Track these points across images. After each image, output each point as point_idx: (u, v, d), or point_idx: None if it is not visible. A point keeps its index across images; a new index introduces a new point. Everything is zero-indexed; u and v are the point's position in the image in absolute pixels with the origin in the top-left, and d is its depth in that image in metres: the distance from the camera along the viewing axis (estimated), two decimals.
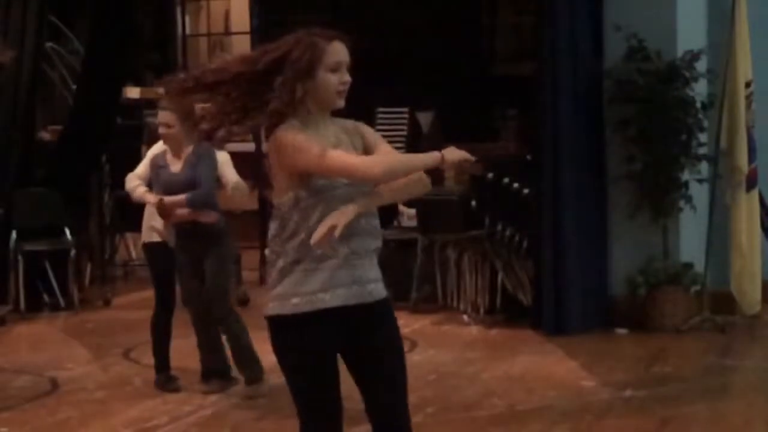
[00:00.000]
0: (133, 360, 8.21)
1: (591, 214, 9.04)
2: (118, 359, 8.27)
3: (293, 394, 3.87)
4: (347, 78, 3.81)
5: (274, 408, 6.73)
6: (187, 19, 13.54)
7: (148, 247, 7.33)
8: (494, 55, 14.34)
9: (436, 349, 8.32)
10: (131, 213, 11.71)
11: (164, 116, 6.85)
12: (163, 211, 6.87)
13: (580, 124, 8.96)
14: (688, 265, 8.91)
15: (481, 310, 9.39)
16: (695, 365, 7.74)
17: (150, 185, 7.11)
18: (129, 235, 12.38)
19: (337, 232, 3.70)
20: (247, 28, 13.03)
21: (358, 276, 3.83)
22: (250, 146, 12.38)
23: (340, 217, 3.72)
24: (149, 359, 7.41)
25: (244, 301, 10.42)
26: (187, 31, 13.34)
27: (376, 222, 3.91)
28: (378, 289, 3.89)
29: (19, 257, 10.03)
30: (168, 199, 6.87)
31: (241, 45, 13.60)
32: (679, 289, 8.83)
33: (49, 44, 11.41)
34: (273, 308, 3.84)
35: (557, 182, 8.87)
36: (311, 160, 3.71)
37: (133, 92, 13.06)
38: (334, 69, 3.78)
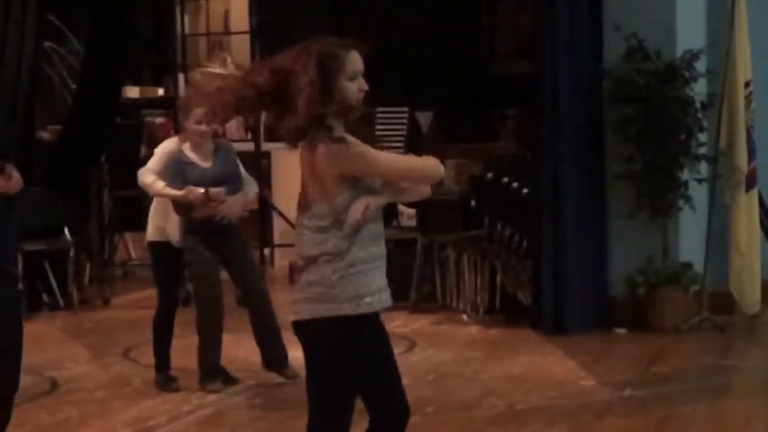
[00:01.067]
0: (133, 359, 8.21)
1: (590, 214, 9.04)
2: (118, 359, 8.27)
3: (331, 394, 3.95)
4: (365, 86, 3.95)
5: (274, 407, 6.74)
6: (187, 18, 13.50)
7: (154, 246, 7.31)
8: (494, 55, 14.35)
9: (436, 348, 8.31)
10: (130, 213, 11.77)
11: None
12: (203, 203, 6.94)
13: (580, 123, 8.96)
14: (688, 265, 8.91)
15: (481, 310, 9.39)
16: (695, 365, 7.74)
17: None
18: (128, 235, 12.38)
19: (369, 210, 3.85)
20: (247, 28, 13.01)
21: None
22: (249, 145, 12.41)
23: (371, 199, 3.88)
24: (148, 359, 7.40)
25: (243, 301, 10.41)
26: (187, 30, 13.30)
27: None
28: None
29: (19, 257, 10.01)
30: (214, 190, 6.95)
31: (241, 45, 13.58)
32: (678, 289, 8.83)
33: (48, 44, 11.41)
34: (347, 308, 3.88)
35: (556, 182, 8.87)
36: (394, 166, 3.94)
37: (132, 92, 13.07)
38: (353, 77, 3.92)
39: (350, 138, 3.89)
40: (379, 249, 3.97)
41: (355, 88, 3.92)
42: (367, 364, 3.96)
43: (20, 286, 4.92)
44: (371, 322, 3.94)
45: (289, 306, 4.01)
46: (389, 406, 4.06)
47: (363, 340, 3.92)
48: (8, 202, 4.90)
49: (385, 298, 3.97)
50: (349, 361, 3.92)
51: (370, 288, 3.91)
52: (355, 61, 3.93)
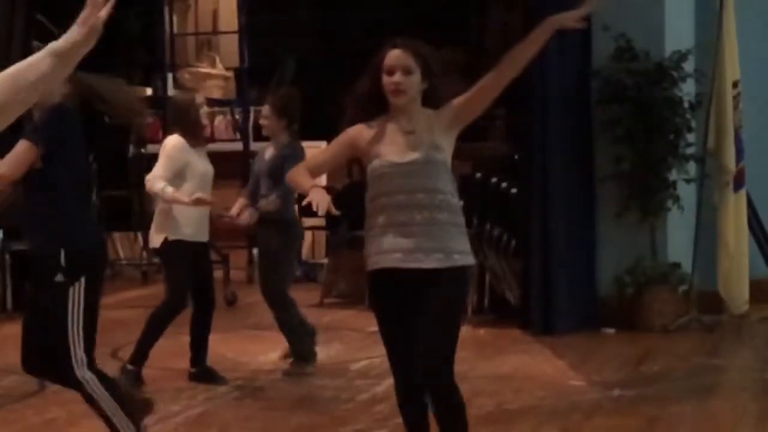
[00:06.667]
0: (121, 360, 8.15)
1: (579, 214, 9.05)
2: (106, 359, 8.19)
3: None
4: (395, 79, 4.46)
5: (262, 407, 6.72)
6: (175, 18, 13.48)
7: (188, 245, 7.16)
8: (483, 55, 14.35)
9: None
10: (119, 212, 11.75)
11: (264, 110, 7.64)
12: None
13: (569, 124, 8.97)
14: (676, 265, 8.93)
15: (470, 310, 9.39)
16: (683, 365, 7.74)
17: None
18: (116, 235, 12.35)
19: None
20: (236, 28, 13.00)
21: None
22: (237, 145, 12.39)
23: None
24: None
25: (232, 301, 10.41)
26: (175, 30, 13.28)
27: None
28: None
29: (7, 256, 9.99)
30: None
31: (230, 44, 13.57)
32: (666, 288, 8.85)
33: (36, 43, 11.38)
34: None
35: (545, 182, 8.87)
36: None
37: None
38: (387, 72, 4.48)
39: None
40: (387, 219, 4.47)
41: (387, 81, 4.49)
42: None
43: (60, 277, 4.98)
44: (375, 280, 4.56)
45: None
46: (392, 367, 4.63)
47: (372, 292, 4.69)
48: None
49: (387, 259, 4.46)
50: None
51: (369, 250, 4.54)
52: (389, 56, 4.50)
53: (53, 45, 3.23)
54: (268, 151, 7.53)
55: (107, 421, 5.05)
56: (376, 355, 7.60)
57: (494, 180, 9.48)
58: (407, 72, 4.46)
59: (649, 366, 7.71)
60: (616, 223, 8.94)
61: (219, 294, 7.82)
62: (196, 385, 7.22)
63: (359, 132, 4.57)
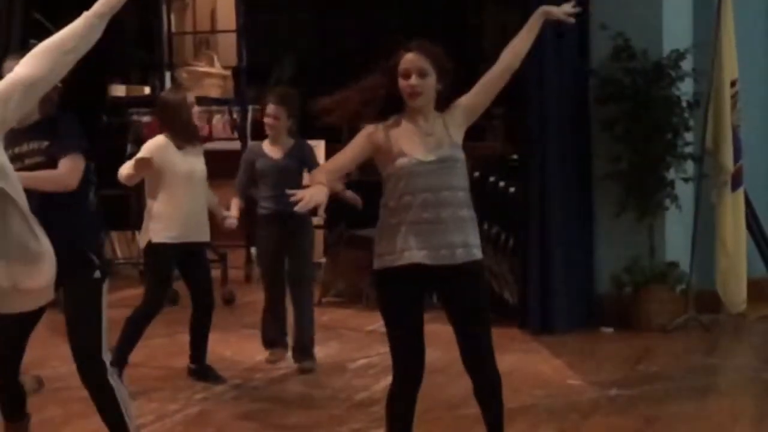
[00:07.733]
0: None
1: (577, 213, 9.05)
2: None
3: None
4: (411, 82, 4.58)
5: (260, 407, 6.72)
6: (173, 17, 13.46)
7: (161, 247, 7.11)
8: (481, 55, 14.35)
9: None
10: (116, 211, 11.73)
11: (272, 109, 7.44)
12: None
13: (566, 123, 8.97)
14: (674, 264, 8.93)
15: None
16: (681, 364, 7.75)
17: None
18: (114, 234, 12.33)
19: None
20: (234, 27, 12.98)
21: None
22: (235, 144, 12.37)
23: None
24: (134, 357, 7.37)
25: (230, 301, 10.39)
26: (173, 29, 13.26)
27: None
28: None
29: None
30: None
31: (228, 43, 13.55)
32: (664, 288, 8.85)
33: (34, 41, 11.37)
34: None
35: (543, 181, 8.87)
36: None
37: (118, 90, 13.02)
38: (403, 75, 4.59)
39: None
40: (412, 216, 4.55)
41: (404, 84, 4.60)
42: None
43: (98, 274, 5.02)
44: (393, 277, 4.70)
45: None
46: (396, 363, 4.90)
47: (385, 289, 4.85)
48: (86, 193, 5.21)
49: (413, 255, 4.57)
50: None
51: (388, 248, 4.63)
52: (405, 60, 4.61)
53: (91, 10, 3.38)
54: (271, 150, 7.47)
55: (116, 414, 5.12)
56: (374, 354, 7.60)
57: (492, 179, 9.48)
58: (422, 74, 4.59)
59: (646, 365, 7.71)
60: (614, 222, 8.94)
61: (216, 293, 7.81)
62: (194, 384, 7.22)
63: (375, 132, 4.63)
